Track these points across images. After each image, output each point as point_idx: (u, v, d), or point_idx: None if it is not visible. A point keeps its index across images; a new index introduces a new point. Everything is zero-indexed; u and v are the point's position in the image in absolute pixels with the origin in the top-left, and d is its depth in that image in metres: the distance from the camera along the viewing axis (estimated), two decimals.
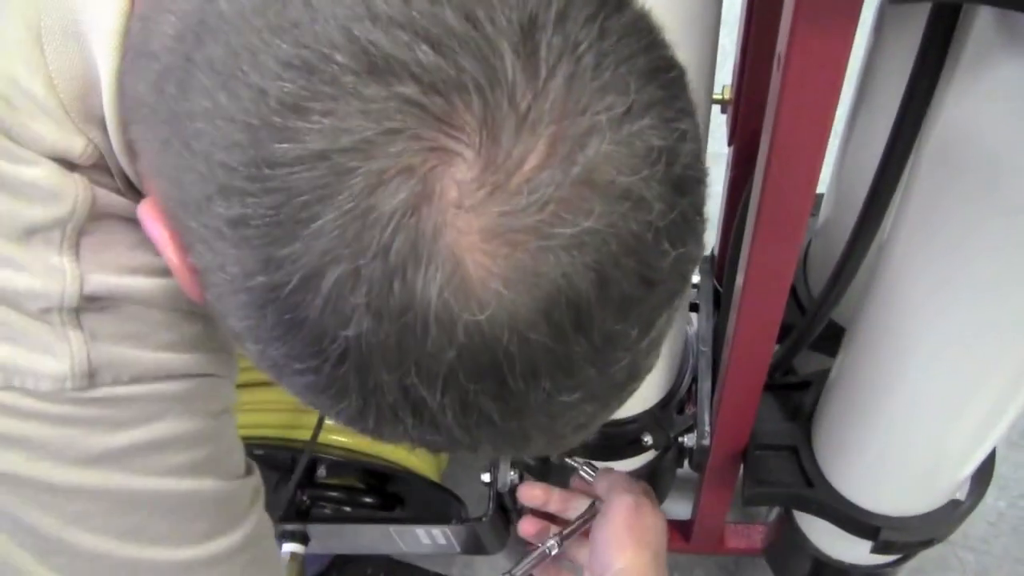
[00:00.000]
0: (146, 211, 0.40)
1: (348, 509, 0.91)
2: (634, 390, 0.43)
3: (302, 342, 0.35)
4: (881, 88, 0.67)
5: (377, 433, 0.39)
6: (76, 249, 0.43)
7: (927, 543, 0.80)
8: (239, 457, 0.55)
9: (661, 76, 0.35)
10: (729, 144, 0.77)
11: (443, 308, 0.33)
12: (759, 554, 1.08)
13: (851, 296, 0.72)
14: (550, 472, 0.91)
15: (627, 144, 0.34)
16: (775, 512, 0.99)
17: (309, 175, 0.32)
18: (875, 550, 0.81)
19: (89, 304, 0.43)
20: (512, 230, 0.32)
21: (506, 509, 0.89)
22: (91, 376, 0.43)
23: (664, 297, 0.37)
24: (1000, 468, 1.31)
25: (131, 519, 0.47)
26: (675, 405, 0.84)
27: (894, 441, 0.74)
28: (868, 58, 0.71)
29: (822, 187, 0.88)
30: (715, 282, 0.90)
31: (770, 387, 0.85)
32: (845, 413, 0.77)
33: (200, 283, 0.39)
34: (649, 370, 0.42)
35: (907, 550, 0.81)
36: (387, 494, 0.93)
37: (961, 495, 0.81)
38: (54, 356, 0.42)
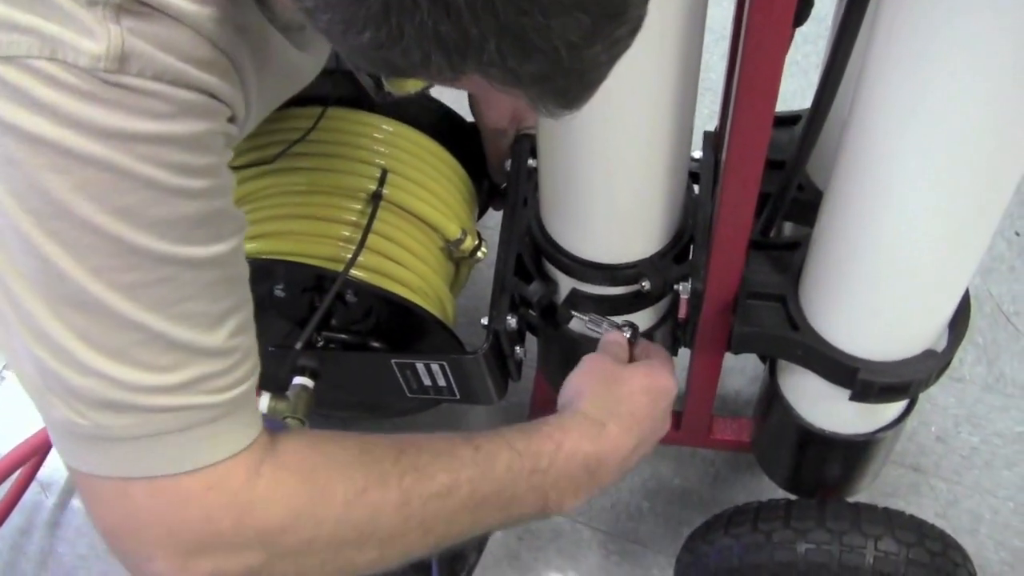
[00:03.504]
0: None
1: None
2: (618, 38, 0.49)
3: None
4: None
5: (398, 34, 0.45)
6: None
7: (903, 388, 0.85)
8: (231, 185, 0.61)
9: None
10: None
11: None
12: (746, 448, 1.12)
13: (829, 160, 0.78)
14: (552, 325, 0.95)
15: None
16: (761, 388, 1.04)
17: None
18: (854, 396, 0.86)
19: (131, 6, 0.51)
20: None
21: (503, 355, 0.94)
22: (121, 61, 0.51)
23: None
24: (976, 408, 1.37)
25: (127, 199, 0.53)
26: (672, 256, 0.90)
27: (871, 284, 0.79)
28: None
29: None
30: (714, 155, 0.96)
31: (761, 246, 0.91)
32: (828, 262, 0.82)
33: None
34: (635, 20, 0.49)
35: (884, 397, 0.86)
36: (395, 343, 0.98)
37: (938, 348, 0.86)
38: (94, 38, 0.50)
